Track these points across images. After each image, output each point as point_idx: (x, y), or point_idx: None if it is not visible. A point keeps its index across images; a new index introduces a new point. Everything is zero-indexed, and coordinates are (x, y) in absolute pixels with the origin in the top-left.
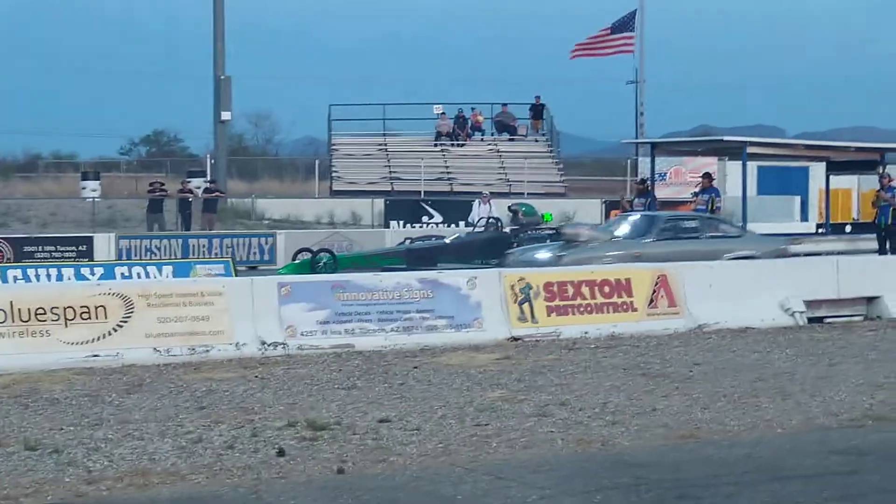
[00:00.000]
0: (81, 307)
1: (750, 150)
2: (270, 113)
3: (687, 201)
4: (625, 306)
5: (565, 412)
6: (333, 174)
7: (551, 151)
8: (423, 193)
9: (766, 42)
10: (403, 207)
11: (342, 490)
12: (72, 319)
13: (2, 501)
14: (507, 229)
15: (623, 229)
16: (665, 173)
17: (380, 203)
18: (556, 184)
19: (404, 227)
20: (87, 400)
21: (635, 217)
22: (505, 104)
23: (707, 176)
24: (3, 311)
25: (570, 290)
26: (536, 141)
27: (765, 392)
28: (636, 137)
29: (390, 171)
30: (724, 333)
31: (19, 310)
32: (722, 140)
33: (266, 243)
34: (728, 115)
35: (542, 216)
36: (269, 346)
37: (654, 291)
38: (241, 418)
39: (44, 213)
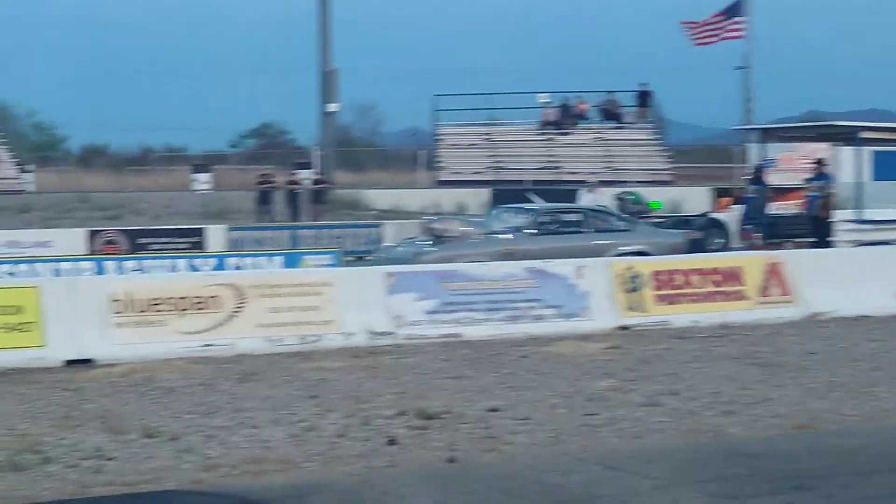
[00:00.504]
0: (196, 298)
1: (863, 134)
2: (376, 104)
3: (799, 188)
4: (736, 294)
5: (676, 402)
6: (439, 164)
7: (658, 139)
8: (528, 182)
9: (880, 22)
10: (509, 196)
11: (453, 479)
12: (186, 310)
13: (123, 488)
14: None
15: (499, 224)
16: (775, 160)
17: (485, 192)
18: (664, 171)
19: None
20: (203, 388)
21: (513, 211)
22: (611, 92)
23: (819, 162)
24: (120, 301)
25: (680, 279)
26: (643, 129)
27: (883, 382)
28: (745, 123)
29: (496, 161)
30: (839, 322)
31: (136, 300)
32: (833, 125)
33: (373, 234)
34: (840, 99)
35: (649, 204)
36: (377, 335)
37: (766, 279)
38: (351, 407)
39: (157, 205)
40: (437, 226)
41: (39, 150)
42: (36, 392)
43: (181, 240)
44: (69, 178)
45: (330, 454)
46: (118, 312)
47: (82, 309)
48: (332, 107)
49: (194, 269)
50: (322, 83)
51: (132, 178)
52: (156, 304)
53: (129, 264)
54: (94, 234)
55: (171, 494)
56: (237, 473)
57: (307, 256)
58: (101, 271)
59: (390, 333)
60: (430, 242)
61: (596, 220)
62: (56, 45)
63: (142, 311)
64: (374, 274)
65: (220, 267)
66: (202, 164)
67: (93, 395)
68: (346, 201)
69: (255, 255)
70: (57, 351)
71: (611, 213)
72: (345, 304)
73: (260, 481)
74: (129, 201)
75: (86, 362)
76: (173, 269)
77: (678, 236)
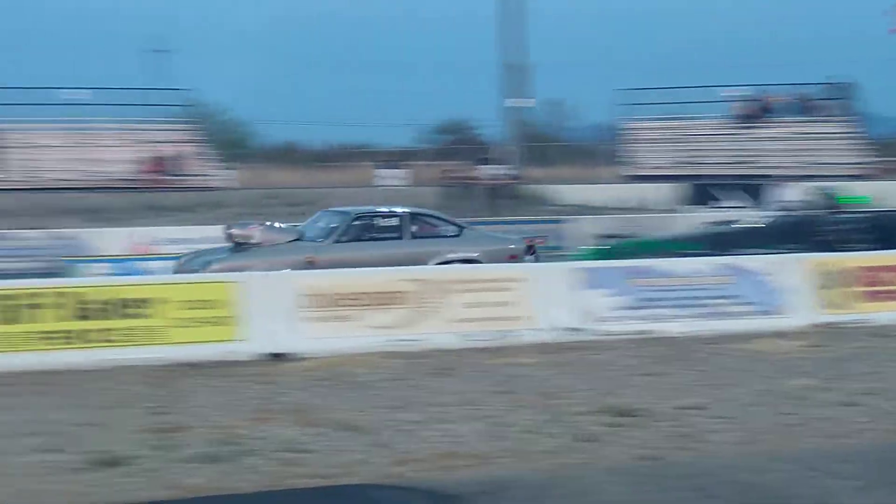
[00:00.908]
0: (385, 293)
1: None
2: (563, 99)
3: None
4: None
5: (876, 401)
6: (625, 159)
7: (858, 132)
8: (718, 177)
9: None
10: (698, 191)
11: (645, 476)
12: (376, 305)
13: (316, 480)
14: (809, 213)
15: (310, 229)
16: None
17: (674, 187)
18: (864, 166)
19: (699, 211)
20: (394, 383)
21: (329, 216)
22: (807, 84)
23: None
24: (313, 296)
25: (881, 276)
26: (841, 122)
27: None
28: None
29: (683, 155)
30: None
31: (328, 295)
32: None
33: (561, 229)
34: None
35: (837, 199)
36: (567, 331)
37: None
38: (542, 403)
39: (344, 201)
40: (235, 232)
41: (233, 146)
42: (232, 385)
43: None
44: (260, 175)
45: (522, 450)
46: (311, 307)
47: (276, 303)
48: (524, 102)
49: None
50: (510, 78)
51: (320, 174)
52: (348, 299)
53: None
54: None
55: (365, 488)
56: (429, 468)
57: None
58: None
59: (580, 329)
60: (229, 250)
61: (418, 225)
62: (249, 43)
63: (334, 306)
64: (564, 270)
65: None
66: (388, 159)
67: (286, 388)
68: (534, 196)
69: None
70: (251, 345)
71: (438, 218)
72: (535, 300)
73: (452, 476)
74: (318, 197)
75: (279, 356)
76: None
77: (517, 243)
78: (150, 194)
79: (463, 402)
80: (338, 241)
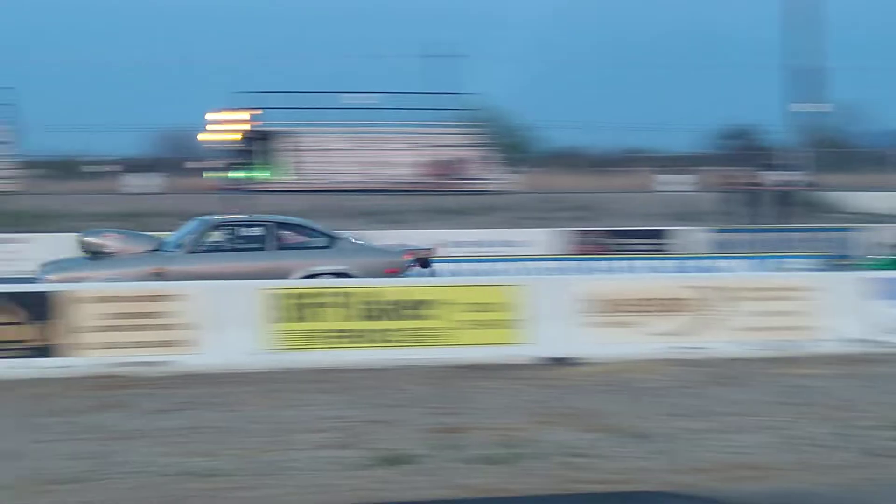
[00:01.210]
0: (668, 299)
1: None
2: (857, 102)
3: None
4: None
5: None
6: None
7: None
8: None
9: None
10: None
11: None
12: (658, 311)
13: (594, 486)
14: None
15: (170, 238)
16: None
17: None
18: None
19: None
20: (674, 390)
21: (189, 223)
22: None
23: None
24: (593, 301)
25: None
26: None
27: None
28: None
29: None
30: None
31: (608, 301)
32: None
33: (852, 237)
34: None
35: None
36: (855, 342)
37: None
38: (830, 415)
39: (623, 205)
40: (88, 240)
41: (515, 150)
42: (513, 388)
43: (648, 241)
44: (541, 179)
45: (811, 463)
46: (593, 312)
47: (558, 308)
48: (817, 107)
49: (662, 271)
50: (798, 82)
51: (601, 179)
52: (630, 305)
53: (604, 265)
54: (569, 233)
55: (655, 495)
56: (713, 478)
57: (782, 260)
58: (575, 272)
59: (870, 341)
60: (82, 259)
61: (285, 235)
62: (532, 47)
63: (616, 312)
64: (854, 279)
65: (689, 270)
66: (669, 164)
67: (567, 392)
68: (823, 204)
69: (726, 258)
70: (532, 348)
71: (309, 228)
72: (822, 310)
73: (733, 488)
74: (597, 202)
75: (559, 360)
76: (643, 270)
77: (395, 255)
78: (430, 197)
79: (747, 411)
80: (192, 252)
